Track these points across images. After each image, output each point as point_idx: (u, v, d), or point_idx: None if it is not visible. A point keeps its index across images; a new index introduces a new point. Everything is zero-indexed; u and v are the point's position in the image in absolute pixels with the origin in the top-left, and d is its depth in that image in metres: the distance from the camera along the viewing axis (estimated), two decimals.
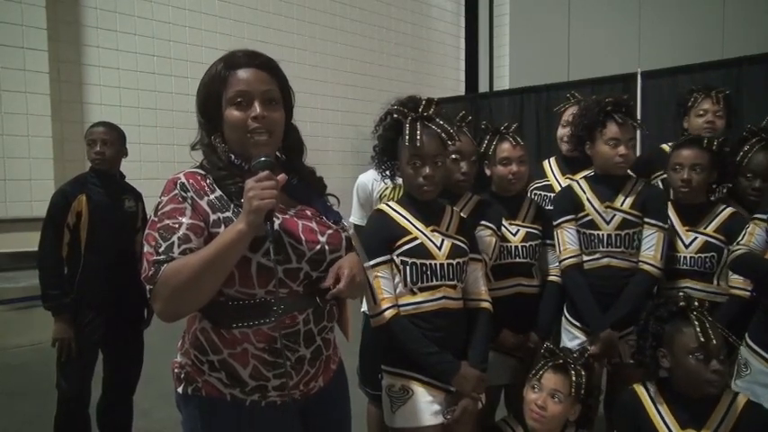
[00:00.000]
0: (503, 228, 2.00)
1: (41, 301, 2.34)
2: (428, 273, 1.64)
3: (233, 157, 1.24)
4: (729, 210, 2.01)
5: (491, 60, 8.14)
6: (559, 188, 2.36)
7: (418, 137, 1.59)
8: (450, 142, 1.62)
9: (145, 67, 5.30)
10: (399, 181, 1.80)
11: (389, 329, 1.61)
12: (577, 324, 2.08)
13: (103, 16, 5.06)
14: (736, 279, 1.91)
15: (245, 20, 5.98)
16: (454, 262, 1.66)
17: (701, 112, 2.40)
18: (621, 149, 1.97)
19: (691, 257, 2.01)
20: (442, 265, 1.65)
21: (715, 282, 2.00)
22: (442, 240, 1.67)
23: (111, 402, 2.54)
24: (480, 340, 1.70)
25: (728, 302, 1.94)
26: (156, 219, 1.17)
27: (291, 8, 6.39)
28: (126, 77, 5.19)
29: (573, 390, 1.65)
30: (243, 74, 1.22)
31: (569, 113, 2.45)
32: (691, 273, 2.01)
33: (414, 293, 1.64)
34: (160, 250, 1.12)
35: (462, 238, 1.71)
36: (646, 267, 1.97)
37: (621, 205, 2.01)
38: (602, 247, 2.02)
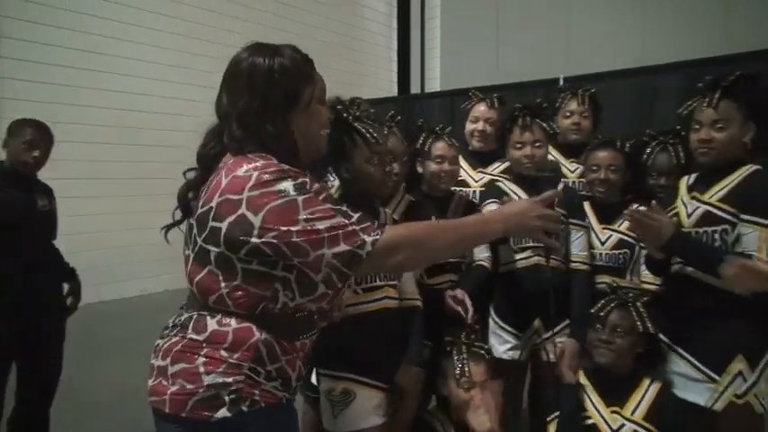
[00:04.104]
0: None
1: None
2: (372, 273, 1.66)
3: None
4: (642, 209, 2.13)
5: (422, 62, 8.26)
6: (474, 183, 2.46)
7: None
8: (374, 141, 1.66)
9: (63, 60, 4.99)
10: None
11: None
12: (507, 328, 2.15)
13: (21, 7, 4.73)
14: (646, 274, 2.04)
15: (170, 13, 5.76)
16: None
17: (568, 113, 2.51)
18: (527, 151, 2.08)
19: (606, 254, 2.13)
20: None
21: (628, 276, 2.12)
22: None
23: (26, 415, 2.38)
24: (416, 338, 1.77)
25: (639, 294, 2.05)
26: (310, 227, 1.07)
27: (221, 3, 6.23)
28: (42, 71, 4.87)
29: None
30: (317, 74, 1.26)
31: (477, 110, 2.54)
32: (606, 268, 2.12)
33: (357, 294, 1.65)
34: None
35: None
36: (583, 267, 2.07)
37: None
38: (532, 242, 2.09)
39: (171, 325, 1.22)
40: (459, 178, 2.52)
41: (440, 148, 2.11)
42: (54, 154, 2.42)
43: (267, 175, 1.09)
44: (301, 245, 1.07)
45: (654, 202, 1.73)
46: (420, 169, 2.15)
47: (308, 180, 1.13)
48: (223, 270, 1.14)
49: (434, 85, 8.11)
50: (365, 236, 1.09)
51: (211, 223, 1.12)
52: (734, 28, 5.21)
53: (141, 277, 5.38)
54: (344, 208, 1.13)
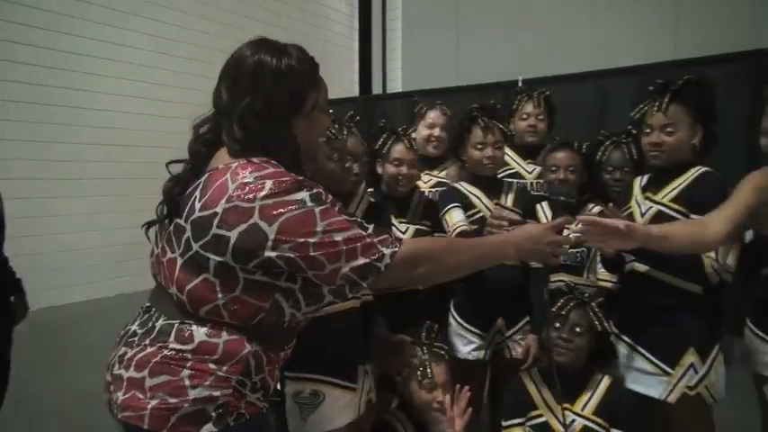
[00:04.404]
0: (393, 227, 2.04)
1: None
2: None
3: None
4: (597, 209, 2.17)
5: (384, 63, 8.28)
6: (423, 184, 2.52)
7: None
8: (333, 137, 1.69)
9: (23, 58, 4.70)
10: None
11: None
12: (471, 328, 2.16)
13: None
14: (602, 272, 2.09)
15: (131, 11, 5.59)
16: None
17: (525, 116, 2.57)
18: (488, 152, 2.11)
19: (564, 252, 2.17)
20: None
21: (585, 274, 2.16)
22: None
23: None
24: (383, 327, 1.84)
25: (595, 293, 2.11)
26: (329, 239, 1.04)
27: (187, 2, 6.07)
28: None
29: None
30: (322, 80, 1.22)
31: (432, 116, 2.64)
32: (564, 267, 2.15)
33: None
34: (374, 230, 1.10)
35: None
36: (541, 266, 2.10)
37: (506, 203, 2.15)
38: None
39: (140, 332, 1.12)
40: None
41: (398, 150, 2.10)
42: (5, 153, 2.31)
43: (281, 184, 1.04)
44: (318, 258, 1.04)
45: (611, 204, 1.78)
46: (379, 170, 2.14)
47: (322, 190, 1.08)
48: (222, 279, 1.07)
49: (396, 85, 8.13)
50: (383, 248, 1.07)
51: (215, 230, 1.05)
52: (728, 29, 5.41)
53: (94, 281, 5.19)
54: (359, 219, 1.10)
